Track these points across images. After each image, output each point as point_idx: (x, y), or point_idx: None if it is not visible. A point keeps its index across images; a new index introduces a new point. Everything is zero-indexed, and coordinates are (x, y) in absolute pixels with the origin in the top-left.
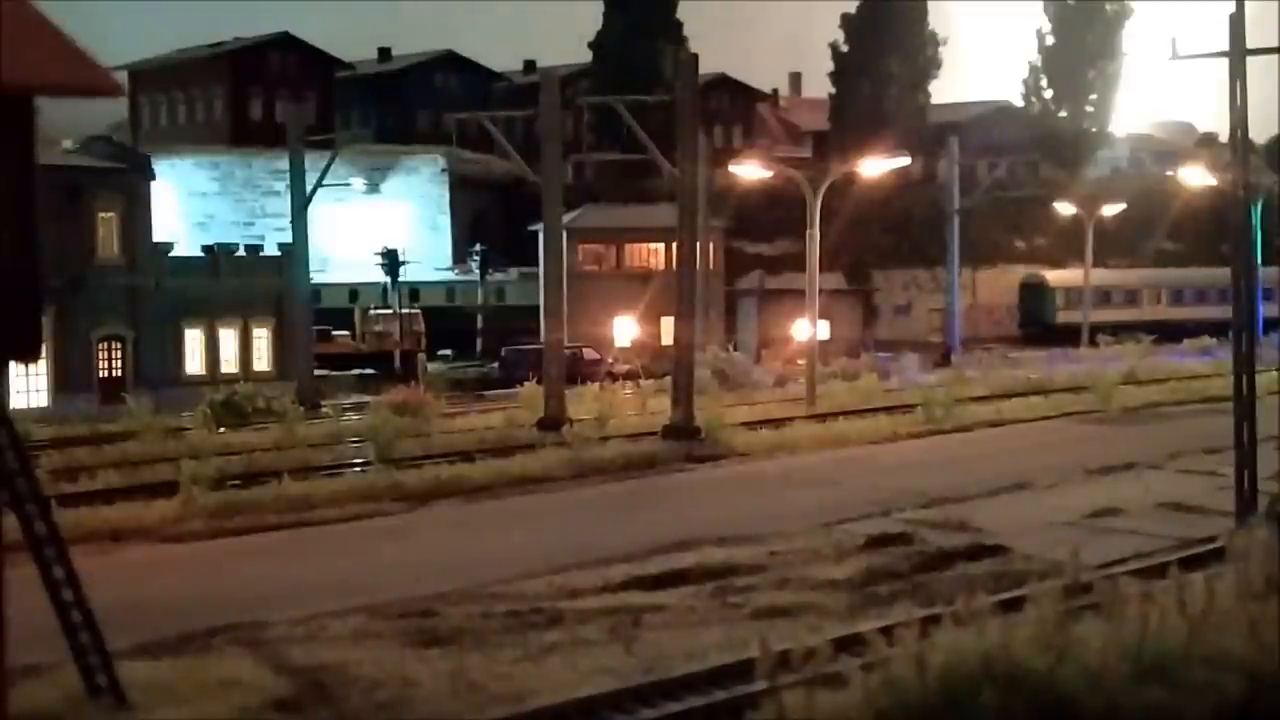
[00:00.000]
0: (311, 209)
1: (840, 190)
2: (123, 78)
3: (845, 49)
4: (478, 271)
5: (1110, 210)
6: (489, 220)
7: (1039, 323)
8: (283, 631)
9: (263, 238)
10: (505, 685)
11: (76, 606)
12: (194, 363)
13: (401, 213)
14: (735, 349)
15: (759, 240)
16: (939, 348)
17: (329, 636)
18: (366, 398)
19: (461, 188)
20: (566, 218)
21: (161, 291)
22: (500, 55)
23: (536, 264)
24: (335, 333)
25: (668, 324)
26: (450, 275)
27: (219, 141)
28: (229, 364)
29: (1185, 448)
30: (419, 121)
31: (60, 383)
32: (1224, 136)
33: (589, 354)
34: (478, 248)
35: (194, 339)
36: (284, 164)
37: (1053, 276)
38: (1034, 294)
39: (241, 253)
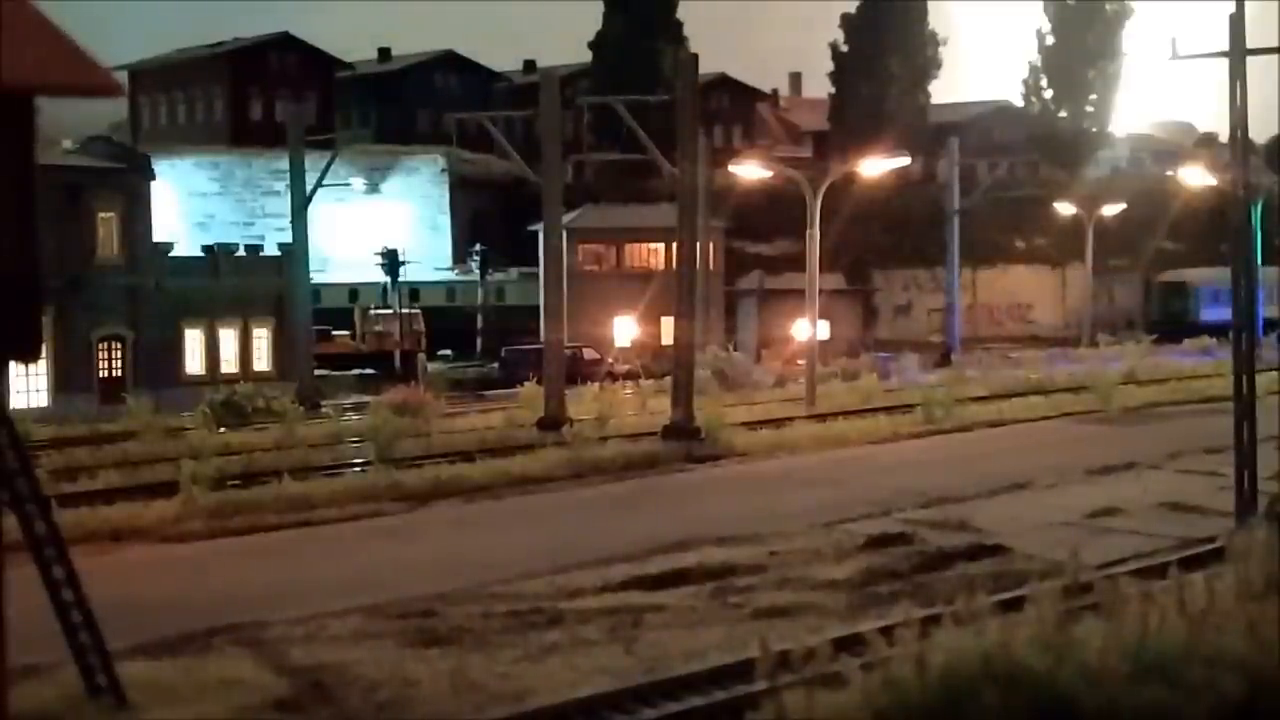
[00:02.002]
0: (311, 209)
1: (840, 190)
2: (123, 78)
3: (845, 49)
4: (478, 271)
5: (1110, 210)
6: (489, 220)
7: (1180, 322)
8: (283, 631)
9: (263, 238)
10: (505, 685)
11: (76, 606)
12: (194, 363)
13: (401, 213)
14: (735, 349)
15: (759, 240)
16: (939, 348)
17: (329, 636)
18: (366, 398)
19: (461, 188)
20: (566, 218)
21: (161, 291)
22: (500, 55)
23: (536, 264)
24: (335, 333)
25: (668, 324)
26: (450, 275)
27: (219, 141)
28: (229, 364)
29: (1185, 448)
30: (419, 121)
31: (60, 383)
32: (1224, 136)
33: (589, 354)
34: (478, 248)
35: (194, 339)
36: (284, 164)
37: (1193, 275)
38: (1174, 293)
39: (241, 253)
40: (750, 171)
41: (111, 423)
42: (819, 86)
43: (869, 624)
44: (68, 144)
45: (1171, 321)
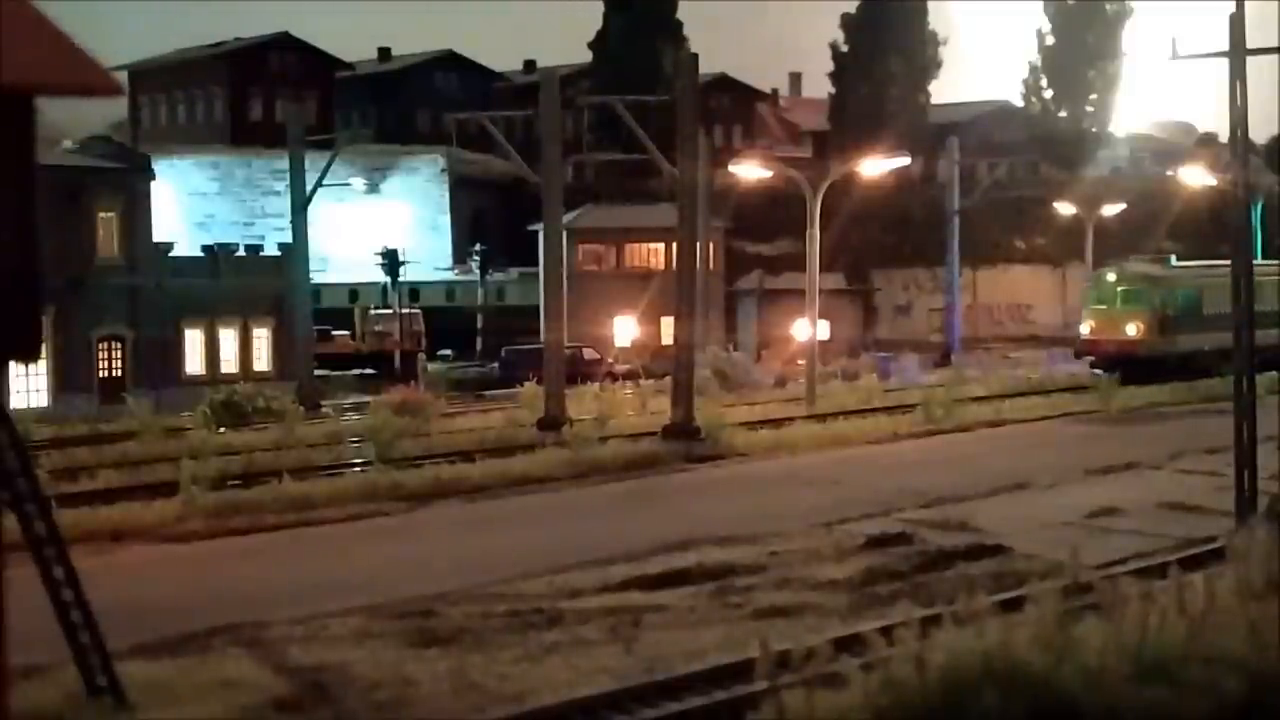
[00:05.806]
0: (311, 209)
1: (840, 190)
2: (123, 78)
3: (845, 49)
4: (478, 271)
5: (1110, 210)
6: (489, 220)
7: None
8: (283, 631)
9: (263, 238)
10: (505, 685)
11: (76, 606)
12: (194, 363)
13: (401, 213)
14: (735, 349)
15: (759, 240)
16: (939, 348)
17: (329, 636)
18: (366, 398)
19: (461, 188)
20: (566, 218)
21: (161, 291)
22: (500, 55)
23: (536, 264)
24: (335, 333)
25: (668, 324)
26: (450, 275)
27: (219, 141)
28: (229, 364)
29: (1185, 448)
30: (419, 121)
31: (60, 383)
32: (1224, 136)
33: (589, 354)
34: (478, 248)
35: (194, 339)
36: (284, 164)
37: None
38: None
39: (241, 253)
40: (750, 171)
41: (111, 423)
42: (819, 86)
43: (869, 624)
44: (68, 144)
45: None
